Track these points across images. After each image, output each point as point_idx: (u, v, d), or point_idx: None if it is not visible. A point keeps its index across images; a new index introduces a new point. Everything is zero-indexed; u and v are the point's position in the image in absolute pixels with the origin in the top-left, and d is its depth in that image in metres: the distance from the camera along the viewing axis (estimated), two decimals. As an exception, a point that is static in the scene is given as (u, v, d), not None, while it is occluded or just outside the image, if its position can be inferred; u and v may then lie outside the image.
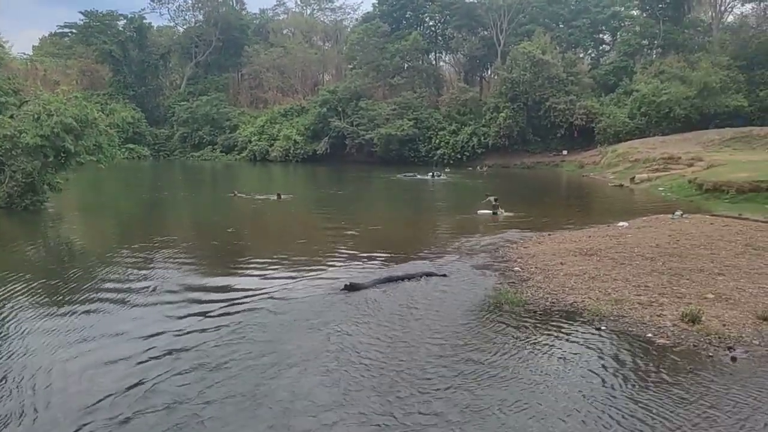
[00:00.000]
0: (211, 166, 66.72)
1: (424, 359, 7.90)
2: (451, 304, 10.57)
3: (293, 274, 13.02)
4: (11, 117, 22.38)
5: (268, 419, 6.32)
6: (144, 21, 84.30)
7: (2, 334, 8.97)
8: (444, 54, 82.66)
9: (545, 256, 14.35)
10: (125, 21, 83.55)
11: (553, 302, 10.45)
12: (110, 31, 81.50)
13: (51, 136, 21.47)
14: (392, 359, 7.90)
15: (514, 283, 11.89)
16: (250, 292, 11.33)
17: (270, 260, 14.74)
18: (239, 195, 30.20)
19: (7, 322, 9.57)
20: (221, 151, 76.12)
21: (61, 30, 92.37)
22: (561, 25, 71.20)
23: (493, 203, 23.52)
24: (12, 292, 11.48)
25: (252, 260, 15.14)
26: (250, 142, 73.57)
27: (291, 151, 69.85)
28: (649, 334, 8.72)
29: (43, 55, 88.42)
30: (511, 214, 22.94)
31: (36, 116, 21.82)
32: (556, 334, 8.91)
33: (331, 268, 13.67)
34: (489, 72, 77.43)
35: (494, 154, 62.48)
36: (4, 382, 7.21)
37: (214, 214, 25.96)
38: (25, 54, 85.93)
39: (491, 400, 6.70)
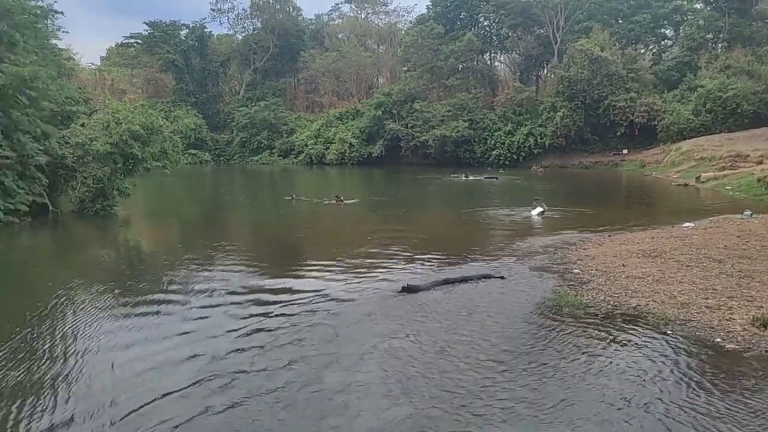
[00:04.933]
0: (269, 170, 68.09)
1: (482, 362, 7.86)
2: (510, 306, 10.48)
3: (351, 276, 13.18)
4: (82, 125, 23.43)
5: (327, 420, 6.43)
6: (205, 30, 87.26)
7: (75, 334, 9.43)
8: (499, 54, 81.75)
9: (606, 257, 14.04)
10: (187, 30, 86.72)
11: (615, 305, 10.21)
12: (173, 41, 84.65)
13: (120, 143, 22.43)
14: (450, 362, 7.89)
15: (573, 285, 11.68)
16: (309, 294, 11.53)
17: (328, 262, 14.93)
18: (298, 198, 30.72)
19: (80, 322, 10.05)
20: (279, 155, 77.62)
21: (127, 41, 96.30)
22: (620, 21, 69.27)
23: (540, 207, 23.29)
24: (84, 293, 12.08)
25: (310, 262, 15.41)
26: (307, 145, 74.73)
27: (346, 154, 70.53)
28: (718, 339, 8.42)
29: (110, 65, 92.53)
30: (557, 216, 22.60)
31: (106, 124, 22.86)
32: (618, 338, 8.71)
33: (388, 270, 13.75)
34: (545, 71, 76.09)
35: (551, 155, 61.40)
36: (76, 380, 7.56)
37: (273, 217, 26.52)
38: (93, 64, 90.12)
39: (552, 405, 6.60)
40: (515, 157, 62.47)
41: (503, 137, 63.90)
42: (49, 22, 29.87)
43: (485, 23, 78.75)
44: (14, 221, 19.71)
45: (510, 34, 74.11)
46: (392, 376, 7.45)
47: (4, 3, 22.00)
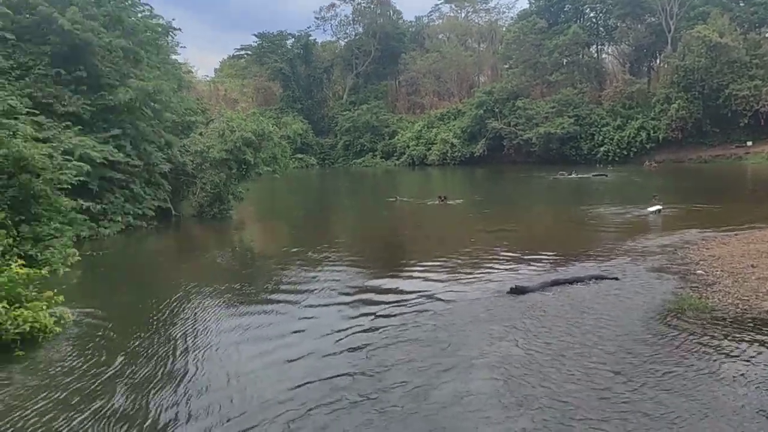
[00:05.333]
0: (372, 172, 69.16)
1: (599, 371, 7.46)
2: (626, 309, 9.96)
3: (458, 276, 13.08)
4: (200, 134, 24.88)
5: (435, 419, 6.38)
6: (309, 38, 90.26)
7: (195, 332, 9.97)
8: (606, 45, 78.50)
9: (732, 258, 13.04)
10: (293, 40, 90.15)
11: (745, 309, 9.46)
12: (280, 51, 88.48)
13: (234, 150, 23.62)
14: (565, 370, 7.55)
15: (697, 287, 10.94)
16: (416, 294, 11.55)
17: (433, 262, 14.89)
18: (402, 200, 30.93)
19: (200, 320, 10.65)
20: (381, 158, 78.69)
21: (237, 53, 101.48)
22: (741, 4, 64.21)
23: (658, 205, 21.99)
24: (204, 293, 12.78)
25: (415, 262, 15.42)
26: (408, 147, 75.25)
27: (448, 155, 70.31)
28: None
29: (223, 77, 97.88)
30: (675, 214, 21.31)
31: (221, 133, 24.14)
32: (751, 344, 8.04)
33: (495, 271, 13.51)
34: (658, 61, 72.02)
35: (665, 149, 58.03)
36: (198, 377, 7.98)
37: (378, 218, 26.85)
38: (207, 77, 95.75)
39: (680, 418, 6.18)
40: (625, 153, 59.66)
41: (612, 132, 61.24)
42: (169, 38, 31.85)
43: (591, 14, 75.94)
44: (142, 225, 21.22)
45: (618, 24, 70.89)
46: (505, 385, 7.21)
47: (130, 22, 23.74)
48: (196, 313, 11.07)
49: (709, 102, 55.68)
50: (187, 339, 9.54)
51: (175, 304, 11.73)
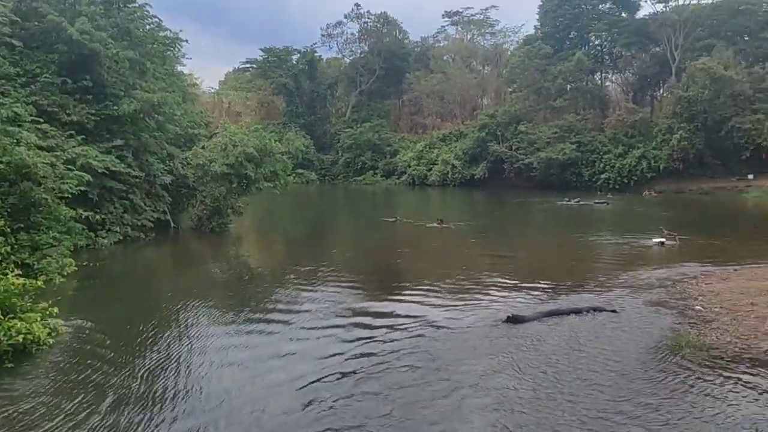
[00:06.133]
0: (371, 190, 69.24)
1: (591, 402, 7.45)
2: (623, 343, 9.91)
3: (455, 303, 13.00)
4: (203, 147, 24.91)
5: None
6: (315, 54, 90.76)
7: (189, 349, 9.90)
8: (610, 73, 78.94)
9: (732, 294, 12.98)
10: (298, 55, 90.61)
11: (743, 348, 9.39)
12: (285, 65, 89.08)
13: (236, 165, 23.65)
14: (561, 408, 7.46)
15: (695, 323, 10.87)
16: (413, 319, 11.47)
17: (431, 287, 14.81)
18: (402, 220, 30.88)
19: (194, 337, 10.59)
20: (382, 176, 78.79)
21: (243, 66, 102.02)
22: (746, 38, 64.63)
23: (663, 238, 21.95)
24: (198, 308, 12.73)
25: (414, 286, 15.31)
26: (410, 166, 75.39)
27: (449, 176, 70.40)
28: None
29: (227, 89, 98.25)
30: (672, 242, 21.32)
31: (224, 147, 24.17)
32: (748, 386, 7.97)
33: (492, 298, 13.44)
34: (661, 90, 72.43)
35: (666, 179, 58.05)
36: (190, 396, 7.90)
37: (377, 238, 26.77)
38: (212, 89, 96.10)
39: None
40: (626, 181, 59.67)
41: (613, 160, 61.33)
42: (175, 49, 31.95)
43: (596, 42, 76.49)
44: (140, 236, 21.17)
45: (623, 52, 71.46)
46: (497, 419, 7.11)
47: (138, 34, 23.89)
48: (188, 331, 11.01)
49: (712, 134, 55.84)
50: (179, 357, 9.47)
51: (168, 320, 11.67)
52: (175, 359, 9.32)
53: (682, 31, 64.79)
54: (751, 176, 54.08)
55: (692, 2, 67.83)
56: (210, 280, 16.63)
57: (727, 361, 8.92)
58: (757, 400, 7.57)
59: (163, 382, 8.32)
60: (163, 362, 9.17)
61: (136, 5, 24.90)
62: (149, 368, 8.84)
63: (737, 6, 64.31)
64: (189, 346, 10.03)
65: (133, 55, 22.49)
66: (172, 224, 23.69)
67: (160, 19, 26.62)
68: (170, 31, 31.03)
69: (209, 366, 9.00)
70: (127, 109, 20.89)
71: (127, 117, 21.32)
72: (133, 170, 21.02)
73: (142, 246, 21.00)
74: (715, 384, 8.09)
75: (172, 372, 8.76)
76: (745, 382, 8.12)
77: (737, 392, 7.82)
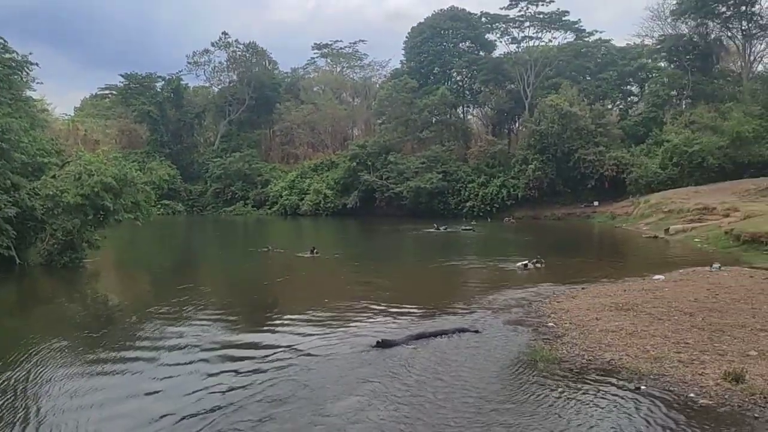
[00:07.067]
0: (243, 221, 67.74)
1: (457, 419, 7.77)
2: (485, 361, 10.42)
3: (325, 330, 13.00)
4: (53, 177, 23.14)
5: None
6: (181, 82, 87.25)
7: (38, 394, 9.09)
8: (472, 108, 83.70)
9: (580, 311, 14.11)
10: (163, 83, 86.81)
11: (589, 360, 10.22)
12: (149, 93, 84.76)
13: (91, 195, 22.11)
14: (426, 417, 7.79)
15: (548, 339, 11.68)
16: (283, 349, 11.34)
17: (302, 316, 14.73)
18: (275, 250, 30.45)
19: (44, 380, 9.71)
20: (253, 206, 77.29)
21: (101, 92, 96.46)
22: (588, 78, 71.70)
23: (527, 261, 23.32)
24: (48, 350, 11.65)
25: (284, 316, 15.15)
26: (281, 196, 74.67)
27: (321, 205, 70.61)
28: (692, 394, 8.44)
29: (84, 116, 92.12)
30: (539, 265, 22.78)
31: (77, 176, 22.56)
32: (593, 393, 8.69)
33: (362, 324, 13.62)
34: (517, 124, 77.90)
35: (524, 206, 62.25)
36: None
37: (248, 269, 26.20)
38: (67, 115, 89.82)
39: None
40: (489, 209, 63.18)
41: (477, 189, 64.77)
42: (23, 73, 29.73)
43: (458, 78, 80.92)
44: (-22, 274, 19.18)
45: (482, 89, 76.08)
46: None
47: (-21, 56, 22.00)
48: (40, 375, 10.04)
49: (562, 164, 60.79)
50: (29, 402, 8.69)
51: (12, 364, 10.60)
52: (21, 407, 8.51)
53: (533, 70, 70.43)
54: (596, 203, 59.39)
55: (541, 44, 74.18)
56: (63, 320, 15.35)
57: (576, 372, 9.66)
58: (600, 405, 8.25)
59: (8, 433, 7.56)
60: (11, 411, 8.33)
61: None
62: (-11, 419, 8.00)
63: (579, 48, 71.51)
64: (37, 392, 9.18)
65: (-30, 78, 20.64)
66: (18, 260, 21.65)
67: (4, 40, 24.67)
68: (17, 53, 28.92)
69: (61, 412, 8.29)
70: (-36, 136, 19.04)
71: (-36, 144, 19.40)
72: (-28, 202, 19.09)
73: (-19, 285, 19.03)
74: (564, 394, 8.73)
75: (21, 421, 7.99)
76: (590, 389, 8.83)
77: (584, 399, 8.50)
